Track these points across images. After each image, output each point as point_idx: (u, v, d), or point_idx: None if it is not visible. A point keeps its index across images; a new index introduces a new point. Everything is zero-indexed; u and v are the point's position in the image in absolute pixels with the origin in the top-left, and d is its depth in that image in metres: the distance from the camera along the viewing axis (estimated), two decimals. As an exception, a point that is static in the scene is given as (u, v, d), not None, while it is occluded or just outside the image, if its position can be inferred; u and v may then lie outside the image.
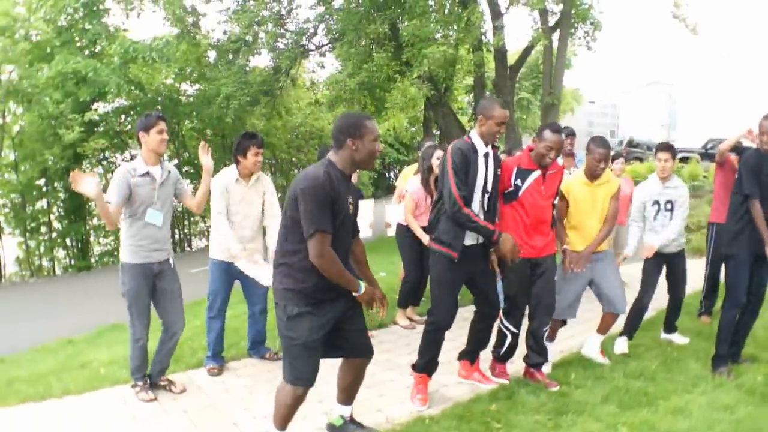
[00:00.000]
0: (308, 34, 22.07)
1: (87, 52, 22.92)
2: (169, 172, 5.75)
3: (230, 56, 21.67)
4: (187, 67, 24.07)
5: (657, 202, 6.74)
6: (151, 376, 5.95)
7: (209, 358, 6.53)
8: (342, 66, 20.69)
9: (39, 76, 20.93)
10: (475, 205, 5.30)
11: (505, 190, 5.61)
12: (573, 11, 20.21)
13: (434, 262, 5.40)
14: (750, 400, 5.28)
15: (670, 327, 7.20)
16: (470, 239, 5.34)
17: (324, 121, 28.71)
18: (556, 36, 20.93)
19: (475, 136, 5.33)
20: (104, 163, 26.42)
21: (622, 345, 6.80)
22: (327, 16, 21.32)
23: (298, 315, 4.12)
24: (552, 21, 20.94)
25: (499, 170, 5.48)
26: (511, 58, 22.76)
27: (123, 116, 24.81)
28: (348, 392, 4.75)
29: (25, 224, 24.87)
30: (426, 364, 5.54)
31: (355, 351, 4.56)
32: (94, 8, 22.70)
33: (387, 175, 47.09)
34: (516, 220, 5.62)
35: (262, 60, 23.53)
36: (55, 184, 24.39)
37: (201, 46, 22.64)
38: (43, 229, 25.31)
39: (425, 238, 6.92)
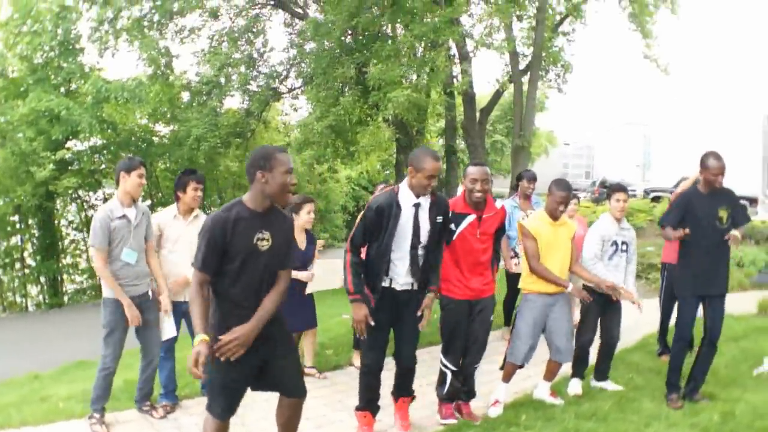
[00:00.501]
0: (280, 77, 22.22)
1: (62, 90, 22.87)
2: (143, 213, 5.97)
3: (203, 98, 21.71)
4: (160, 108, 24.09)
5: (615, 243, 6.78)
6: (136, 402, 6.32)
7: (162, 395, 6.55)
8: (311, 109, 20.75)
9: (13, 113, 20.87)
10: (403, 259, 5.30)
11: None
12: (543, 54, 20.41)
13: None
14: (704, 441, 5.20)
15: (600, 374, 7.11)
16: (393, 282, 5.35)
17: (296, 164, 28.64)
18: (526, 78, 21.14)
19: (403, 188, 5.29)
20: (78, 201, 26.24)
21: (575, 386, 6.87)
22: (298, 59, 21.49)
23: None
24: (523, 64, 21.14)
25: (440, 218, 5.35)
26: (483, 101, 22.99)
27: (96, 155, 24.70)
28: (284, 429, 4.73)
29: None
30: (366, 403, 5.63)
31: (285, 390, 4.56)
32: (70, 47, 22.67)
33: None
34: (453, 262, 5.72)
35: (234, 102, 23.32)
36: (29, 221, 24.23)
37: (174, 87, 22.75)
38: (17, 265, 25.03)
39: None
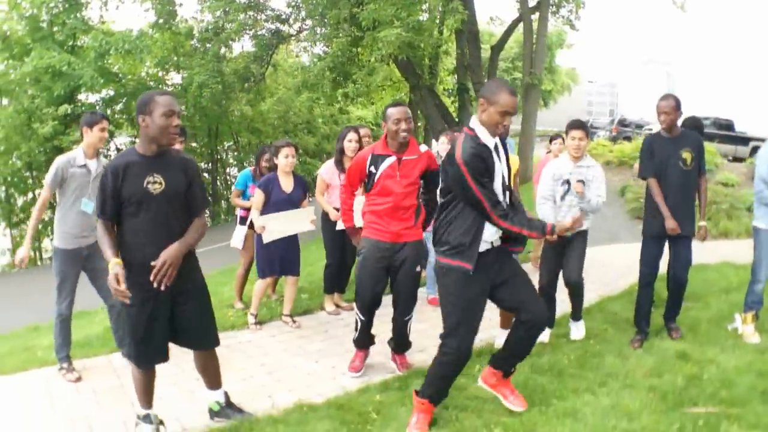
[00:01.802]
0: (283, 20, 21.88)
1: (69, 46, 22.81)
2: (104, 166, 5.77)
3: (207, 45, 21.44)
4: (169, 57, 24.04)
5: (567, 182, 6.45)
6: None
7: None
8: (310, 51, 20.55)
9: (17, 72, 20.99)
10: None
11: (362, 179, 5.52)
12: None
13: (446, 281, 4.51)
14: (658, 406, 4.83)
15: (573, 314, 6.84)
16: (484, 244, 4.46)
17: (295, 106, 28.51)
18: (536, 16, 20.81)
19: (477, 127, 4.36)
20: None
21: (544, 335, 6.58)
22: (299, 1, 21.13)
23: (128, 307, 4.18)
24: (533, 1, 20.79)
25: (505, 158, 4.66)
26: (494, 40, 22.65)
27: (106, 107, 24.79)
28: (206, 377, 4.78)
29: (9, 216, 24.93)
30: (434, 393, 4.68)
31: (191, 344, 4.59)
32: (74, 2, 22.52)
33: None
34: (372, 205, 5.49)
35: (242, 48, 23.20)
36: (42, 178, 24.28)
37: (181, 34, 22.55)
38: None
39: (333, 213, 7.26)
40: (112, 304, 6.06)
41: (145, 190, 4.13)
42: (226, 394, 4.88)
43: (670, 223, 6.10)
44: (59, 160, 5.80)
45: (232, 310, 7.91)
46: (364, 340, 5.83)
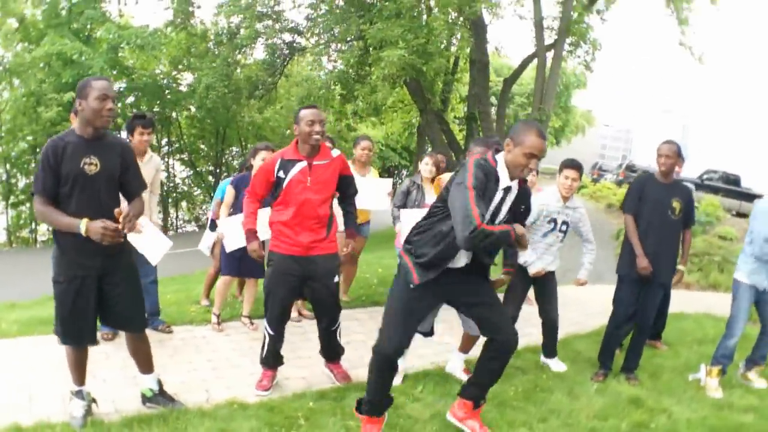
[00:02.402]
0: (298, 31, 21.94)
1: (85, 35, 22.93)
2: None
3: (221, 48, 21.47)
4: (183, 56, 24.13)
5: (554, 221, 6.41)
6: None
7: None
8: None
9: (29, 56, 21.10)
10: None
11: (269, 185, 5.34)
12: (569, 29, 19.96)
13: (398, 279, 4.51)
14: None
15: (547, 350, 6.80)
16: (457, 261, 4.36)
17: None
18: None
19: (500, 162, 4.22)
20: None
21: None
22: (315, 15, 21.20)
23: (56, 282, 4.43)
24: (550, 39, 20.76)
25: (522, 208, 4.48)
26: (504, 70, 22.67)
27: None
28: (137, 361, 4.87)
29: (8, 196, 25.12)
30: (366, 402, 4.56)
31: (118, 324, 4.88)
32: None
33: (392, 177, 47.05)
34: (281, 215, 5.29)
35: (259, 55, 23.29)
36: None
37: (197, 35, 22.61)
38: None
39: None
40: None
41: (81, 170, 4.25)
42: (159, 381, 4.95)
43: (642, 261, 6.08)
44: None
45: (196, 306, 7.92)
46: (273, 359, 5.55)
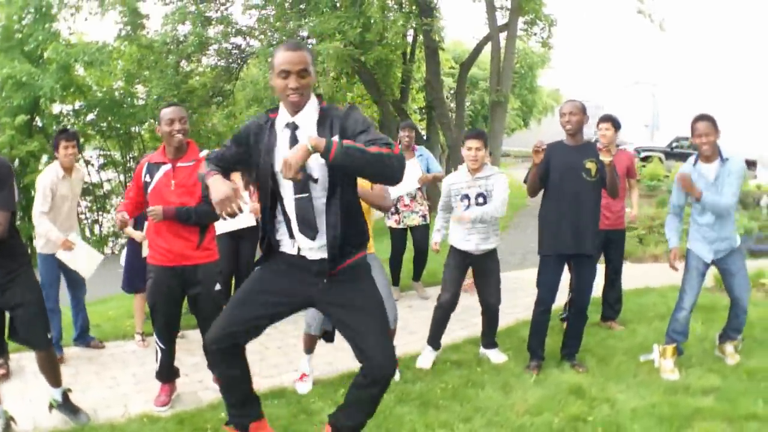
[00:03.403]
0: (244, 33, 21.76)
1: (37, 56, 22.66)
2: None
3: (169, 58, 21.17)
4: (138, 70, 23.82)
5: (467, 196, 6.12)
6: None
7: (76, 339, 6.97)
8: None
9: None
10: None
11: (140, 188, 5.13)
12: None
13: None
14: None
15: (485, 340, 6.52)
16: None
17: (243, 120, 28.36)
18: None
19: (281, 106, 3.68)
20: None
21: (423, 358, 6.32)
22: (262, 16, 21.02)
23: None
24: (503, 18, 20.54)
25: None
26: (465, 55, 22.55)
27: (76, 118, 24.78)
28: (45, 376, 4.97)
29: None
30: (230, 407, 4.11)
31: (22, 340, 4.84)
32: (43, 13, 22.36)
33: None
34: (153, 223, 5.07)
35: (213, 61, 23.03)
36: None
37: (152, 47, 22.29)
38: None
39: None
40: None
41: None
42: (65, 393, 5.06)
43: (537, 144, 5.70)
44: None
45: (131, 321, 7.83)
46: (168, 372, 5.45)
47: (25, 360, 6.38)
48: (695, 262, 6.08)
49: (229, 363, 3.85)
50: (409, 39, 22.44)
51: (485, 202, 6.04)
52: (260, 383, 5.60)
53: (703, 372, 5.94)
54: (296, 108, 3.55)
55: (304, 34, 18.89)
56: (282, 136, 3.59)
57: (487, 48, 21.31)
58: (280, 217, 3.70)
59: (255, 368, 5.90)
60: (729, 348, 6.30)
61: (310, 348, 5.71)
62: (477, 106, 40.40)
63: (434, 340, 6.37)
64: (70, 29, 23.68)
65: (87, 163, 26.43)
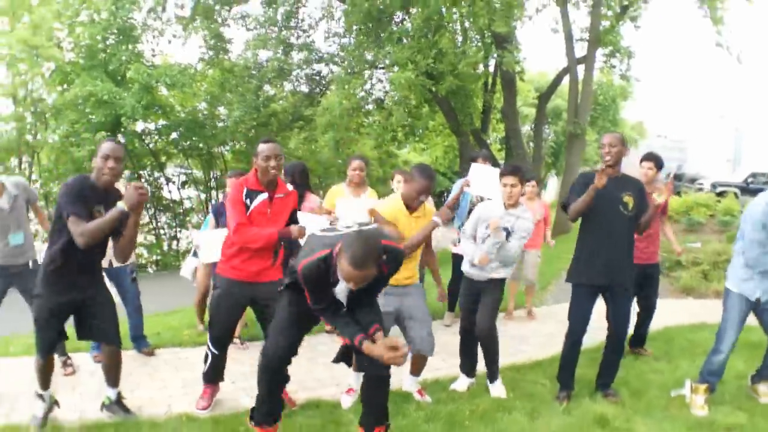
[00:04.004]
0: (324, 62, 22.19)
1: (120, 76, 23.37)
2: (15, 193, 6.25)
3: (248, 81, 21.72)
4: (221, 92, 24.42)
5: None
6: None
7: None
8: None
9: (61, 97, 21.70)
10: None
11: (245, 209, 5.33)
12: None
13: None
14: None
15: (488, 373, 6.40)
16: None
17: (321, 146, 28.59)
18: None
19: None
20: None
21: (460, 383, 6.40)
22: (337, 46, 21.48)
23: (37, 296, 4.96)
24: (581, 50, 20.62)
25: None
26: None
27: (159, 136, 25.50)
28: (107, 375, 5.33)
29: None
30: (261, 411, 4.87)
31: (99, 336, 5.25)
32: (127, 34, 23.14)
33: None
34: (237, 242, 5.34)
35: (295, 86, 23.56)
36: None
37: (233, 71, 22.87)
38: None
39: None
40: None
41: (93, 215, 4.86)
42: (119, 394, 5.40)
43: (601, 173, 5.55)
44: None
45: (189, 330, 8.19)
46: (215, 375, 5.77)
47: (80, 360, 6.85)
48: (738, 304, 5.95)
49: (280, 376, 4.68)
50: (491, 69, 22.55)
51: (507, 237, 6.06)
52: (300, 395, 5.90)
53: (732, 409, 5.87)
54: None
55: (380, 63, 19.23)
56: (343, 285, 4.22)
57: (567, 80, 21.37)
58: None
59: (301, 380, 6.30)
60: (762, 388, 6.21)
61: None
62: (561, 138, 40.24)
63: (465, 368, 6.43)
64: (153, 51, 24.45)
65: (168, 180, 27.09)
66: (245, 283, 5.38)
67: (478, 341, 6.26)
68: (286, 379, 5.46)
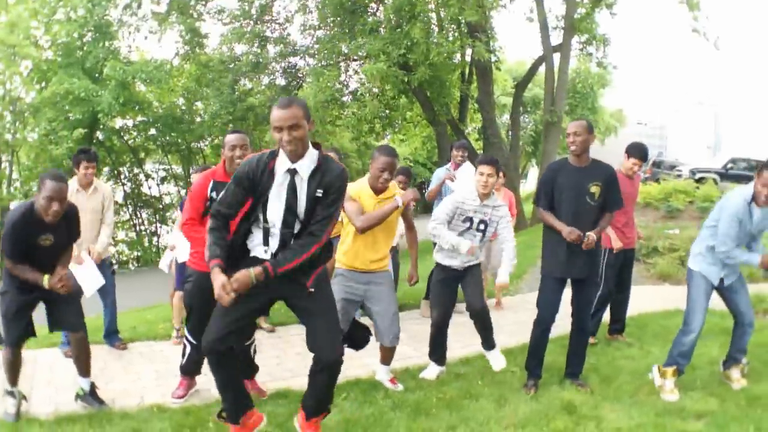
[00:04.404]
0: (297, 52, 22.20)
1: (97, 73, 23.31)
2: None
3: (223, 76, 21.73)
4: (197, 87, 24.42)
5: (470, 219, 6.08)
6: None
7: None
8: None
9: (37, 96, 21.77)
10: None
11: (205, 204, 5.32)
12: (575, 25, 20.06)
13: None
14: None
15: (483, 342, 6.33)
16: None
17: (344, 138, 28.41)
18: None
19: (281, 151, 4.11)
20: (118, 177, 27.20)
21: (429, 371, 6.34)
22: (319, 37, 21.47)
23: (3, 293, 5.21)
24: (557, 38, 20.66)
25: (321, 191, 4.14)
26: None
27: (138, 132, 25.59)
28: (77, 364, 5.43)
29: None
30: (226, 405, 4.56)
31: (65, 325, 5.45)
32: (103, 31, 23.08)
33: (422, 192, 46.89)
34: (189, 229, 5.37)
35: (272, 80, 23.58)
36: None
37: (209, 66, 22.84)
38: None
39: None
40: None
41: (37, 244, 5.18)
42: (92, 384, 5.49)
43: (566, 230, 5.56)
44: None
45: (165, 324, 8.28)
46: (193, 367, 5.73)
47: (58, 354, 6.91)
48: (703, 284, 5.92)
49: (224, 364, 4.33)
50: (468, 59, 22.53)
51: (485, 229, 6.08)
52: (270, 386, 5.91)
53: (703, 395, 5.73)
54: (295, 156, 4.01)
55: (355, 56, 19.27)
56: (280, 179, 4.07)
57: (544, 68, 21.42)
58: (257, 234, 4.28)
59: (272, 371, 6.34)
60: (735, 373, 6.10)
61: None
62: (540, 126, 40.36)
63: (435, 356, 6.38)
64: (130, 47, 24.44)
65: (147, 177, 27.08)
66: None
67: (446, 332, 6.28)
68: (246, 372, 5.69)
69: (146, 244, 26.16)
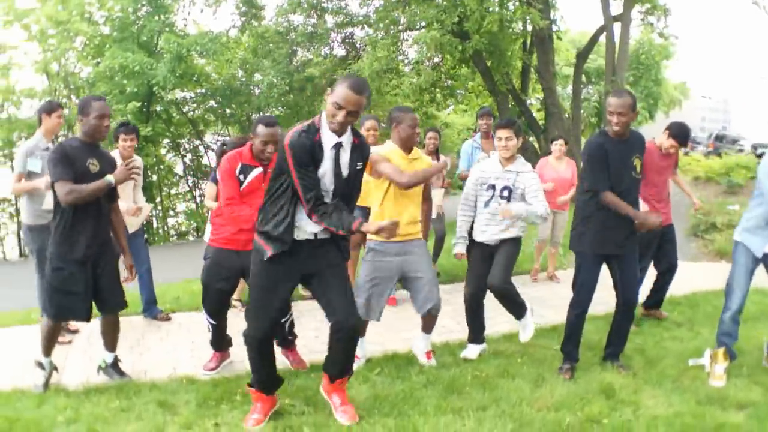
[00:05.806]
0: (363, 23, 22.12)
1: (153, 47, 23.54)
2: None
3: (280, 47, 21.75)
4: (255, 59, 24.45)
5: (493, 187, 5.87)
6: None
7: (148, 310, 7.48)
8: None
9: (93, 70, 22.19)
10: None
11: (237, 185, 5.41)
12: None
13: (255, 260, 4.53)
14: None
15: (514, 314, 6.08)
16: (303, 234, 4.41)
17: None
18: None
19: (323, 122, 4.25)
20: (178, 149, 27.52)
21: (470, 351, 6.11)
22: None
23: (55, 269, 5.13)
24: (618, 8, 20.25)
25: (360, 164, 4.47)
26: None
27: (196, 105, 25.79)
28: (105, 339, 5.55)
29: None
30: (256, 381, 4.66)
31: (110, 305, 5.41)
32: (158, 4, 23.33)
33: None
34: (237, 215, 5.42)
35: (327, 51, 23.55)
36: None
37: (265, 37, 22.83)
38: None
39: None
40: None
41: (87, 169, 5.05)
42: (116, 357, 5.63)
43: (657, 217, 5.25)
44: (22, 148, 6.62)
45: None
46: (220, 342, 5.88)
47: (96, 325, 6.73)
48: (744, 257, 5.68)
49: (263, 350, 4.50)
50: (529, 28, 22.13)
51: (509, 196, 5.81)
52: (306, 358, 5.91)
53: (747, 383, 5.37)
54: (339, 133, 4.23)
55: (415, 26, 19.06)
56: (329, 153, 4.25)
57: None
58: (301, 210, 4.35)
59: (309, 343, 6.33)
60: None
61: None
62: (601, 97, 39.58)
63: (474, 335, 6.18)
64: (185, 20, 24.54)
65: (207, 148, 27.26)
66: (233, 253, 5.49)
67: (480, 312, 6.11)
68: (283, 342, 5.82)
69: (206, 215, 26.37)
